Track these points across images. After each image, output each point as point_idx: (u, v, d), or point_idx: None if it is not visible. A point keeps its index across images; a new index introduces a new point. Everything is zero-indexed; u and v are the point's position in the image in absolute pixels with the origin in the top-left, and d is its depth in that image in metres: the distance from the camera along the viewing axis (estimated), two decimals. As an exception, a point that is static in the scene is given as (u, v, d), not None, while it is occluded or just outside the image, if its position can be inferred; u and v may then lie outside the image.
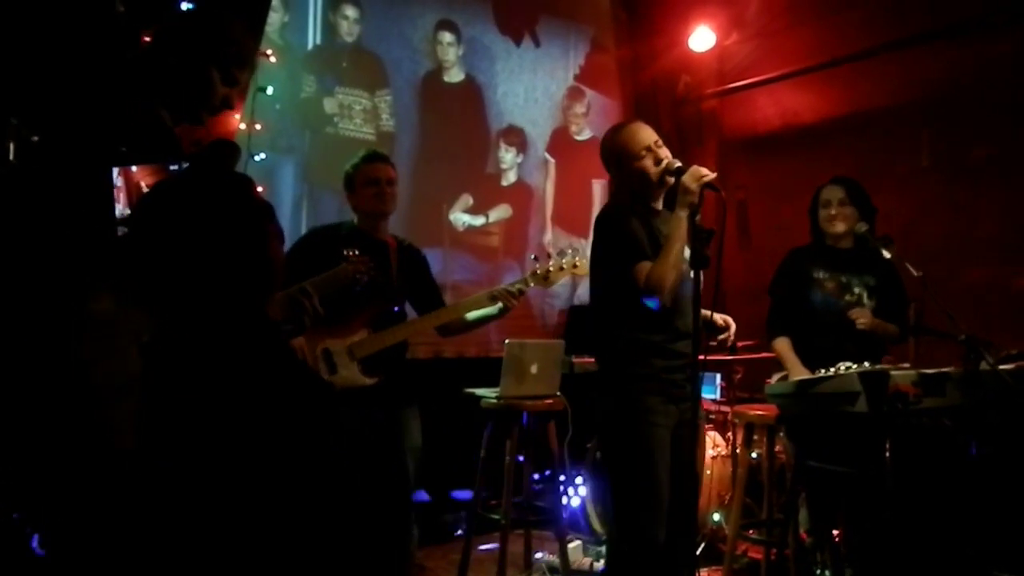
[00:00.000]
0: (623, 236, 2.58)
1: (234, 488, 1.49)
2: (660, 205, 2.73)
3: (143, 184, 1.67)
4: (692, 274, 2.56)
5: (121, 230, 1.61)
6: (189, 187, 1.62)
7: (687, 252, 2.57)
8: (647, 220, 2.65)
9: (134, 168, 1.68)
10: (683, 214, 2.52)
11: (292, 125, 4.34)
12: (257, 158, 3.87)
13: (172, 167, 1.69)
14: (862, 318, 3.14)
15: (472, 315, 3.13)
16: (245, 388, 1.53)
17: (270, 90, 3.92)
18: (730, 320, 2.73)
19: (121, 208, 1.65)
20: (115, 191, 1.65)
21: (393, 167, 3.13)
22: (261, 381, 1.56)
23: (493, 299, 3.06)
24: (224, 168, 1.67)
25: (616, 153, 2.71)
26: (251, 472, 1.51)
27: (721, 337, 2.73)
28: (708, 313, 2.66)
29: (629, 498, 2.58)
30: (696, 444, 2.66)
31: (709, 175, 2.52)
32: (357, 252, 2.81)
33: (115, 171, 1.65)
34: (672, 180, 2.63)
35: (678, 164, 2.63)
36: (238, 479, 1.50)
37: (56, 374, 1.43)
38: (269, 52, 4.00)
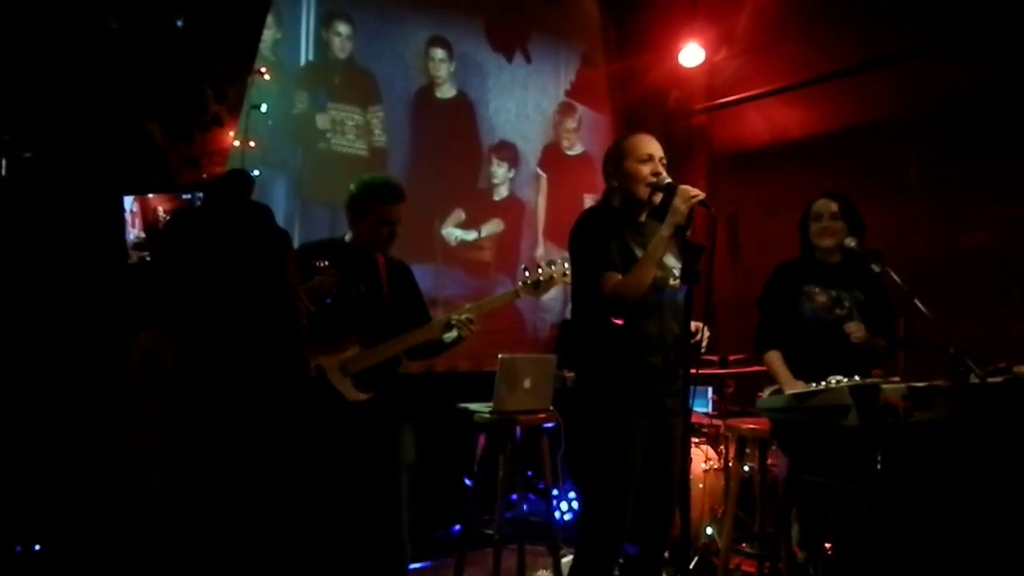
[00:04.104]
0: (593, 243, 2.58)
1: (247, 504, 1.50)
2: (643, 219, 2.73)
3: (160, 210, 1.69)
4: (681, 287, 2.59)
5: (137, 254, 1.62)
6: (210, 216, 1.63)
7: (676, 267, 2.60)
8: (624, 231, 2.64)
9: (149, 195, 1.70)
10: (667, 233, 2.54)
11: (284, 141, 4.35)
12: (252, 174, 3.88)
13: (186, 196, 1.72)
14: (856, 332, 3.15)
15: (447, 337, 3.13)
16: (262, 409, 1.54)
17: (264, 107, 3.93)
18: (701, 325, 2.67)
19: (136, 233, 1.66)
20: (131, 216, 1.67)
21: (405, 202, 3.09)
22: (277, 403, 1.58)
23: (448, 327, 3.06)
24: (241, 197, 1.70)
25: (618, 151, 2.71)
26: (263, 489, 1.52)
27: (695, 340, 2.72)
28: None
29: (593, 510, 2.59)
30: (675, 459, 2.67)
31: (699, 195, 2.54)
32: (327, 263, 2.83)
33: (131, 199, 1.68)
34: (658, 199, 2.65)
35: (668, 180, 2.65)
36: (252, 495, 1.51)
37: (66, 391, 1.44)
38: (263, 69, 4.02)
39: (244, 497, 1.51)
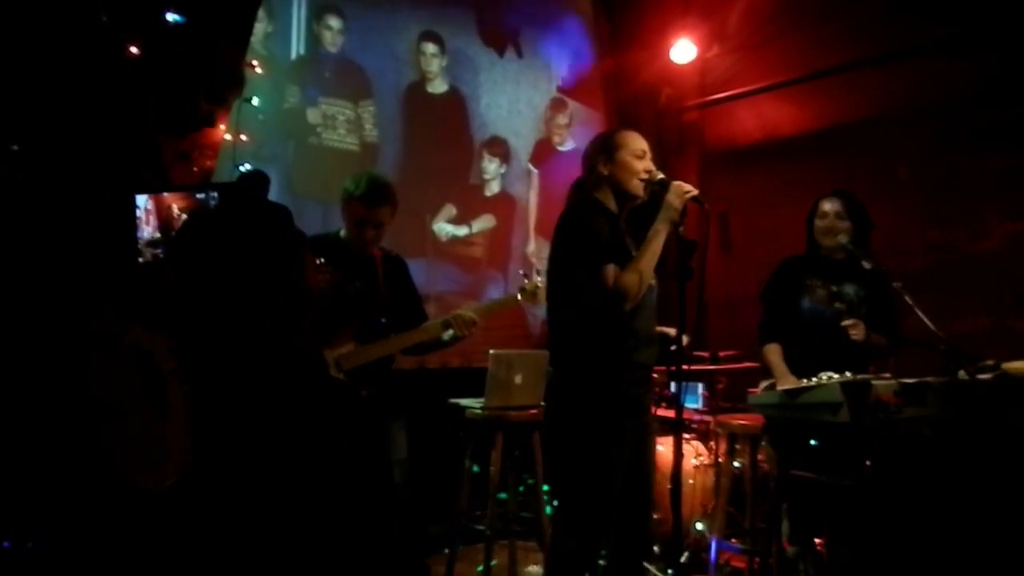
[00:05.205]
0: (591, 236, 2.52)
1: (260, 506, 1.49)
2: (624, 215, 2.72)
3: (174, 207, 1.68)
4: (654, 287, 2.59)
5: (151, 252, 1.61)
6: (229, 217, 1.61)
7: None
8: (613, 224, 2.62)
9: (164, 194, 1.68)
10: (663, 228, 2.53)
11: (275, 135, 4.32)
12: (242, 168, 3.86)
13: (199, 195, 1.70)
14: (855, 330, 3.16)
15: (444, 336, 3.12)
16: (284, 409, 1.53)
17: (256, 101, 3.91)
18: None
19: (151, 231, 1.65)
20: (145, 214, 1.65)
21: (388, 206, 3.04)
22: (300, 402, 1.56)
23: (446, 326, 3.06)
24: (259, 198, 1.68)
25: (612, 142, 2.67)
26: (282, 487, 1.50)
27: (673, 348, 2.74)
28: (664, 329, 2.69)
29: (580, 510, 2.55)
30: (652, 456, 2.70)
31: (692, 191, 2.54)
32: (322, 261, 2.83)
33: (145, 197, 1.66)
34: (645, 197, 2.64)
35: (661, 176, 2.65)
36: (270, 493, 1.49)
37: (57, 389, 1.43)
38: (254, 63, 3.99)
39: (258, 499, 1.50)
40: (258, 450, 1.49)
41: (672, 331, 2.73)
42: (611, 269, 2.48)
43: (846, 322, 3.18)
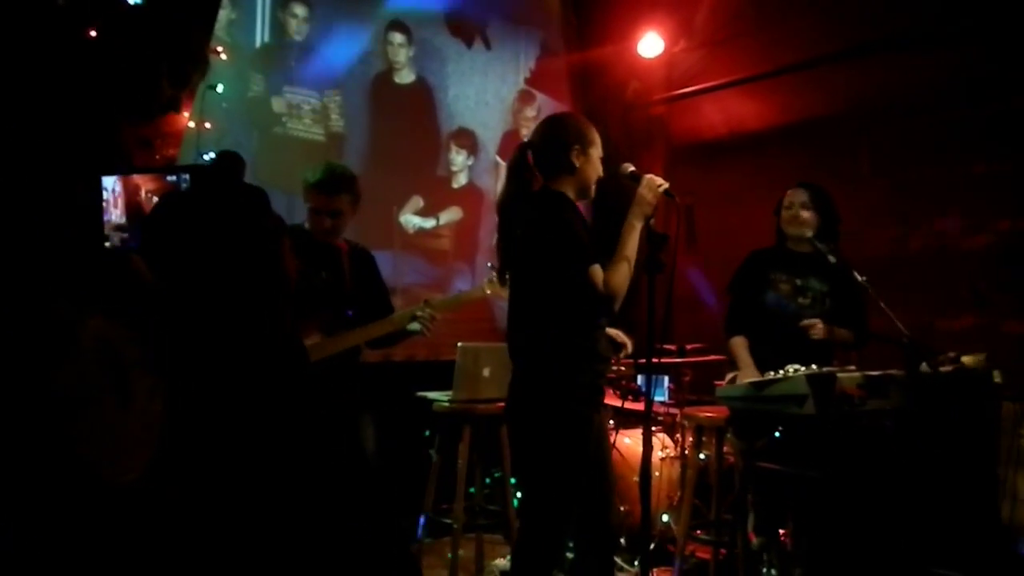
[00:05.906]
0: (574, 239, 2.47)
1: (249, 504, 1.44)
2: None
3: (143, 190, 1.62)
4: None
5: (119, 236, 1.55)
6: (206, 200, 1.55)
7: None
8: (582, 219, 2.58)
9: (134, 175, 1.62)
10: (638, 223, 2.52)
11: (239, 124, 4.25)
12: (206, 157, 3.79)
13: (170, 177, 1.65)
14: (814, 331, 3.19)
15: (410, 327, 3.10)
16: (266, 403, 1.48)
17: (220, 88, 3.84)
18: (627, 339, 2.75)
19: (119, 215, 1.59)
20: (113, 197, 1.59)
21: (347, 195, 2.97)
22: (281, 396, 1.51)
23: (415, 319, 3.04)
24: (234, 180, 1.62)
25: (589, 136, 2.59)
26: (267, 485, 1.46)
27: (620, 355, 2.76)
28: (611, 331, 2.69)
29: (555, 506, 2.53)
30: (609, 446, 2.73)
31: (664, 184, 2.55)
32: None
33: (113, 179, 1.60)
34: (592, 192, 2.62)
35: (632, 169, 2.65)
36: (254, 493, 1.45)
37: (12, 382, 1.38)
38: (219, 49, 3.92)
39: (257, 501, 1.45)
40: (254, 446, 1.45)
41: (617, 333, 2.73)
42: (598, 270, 2.45)
43: (805, 322, 3.21)
